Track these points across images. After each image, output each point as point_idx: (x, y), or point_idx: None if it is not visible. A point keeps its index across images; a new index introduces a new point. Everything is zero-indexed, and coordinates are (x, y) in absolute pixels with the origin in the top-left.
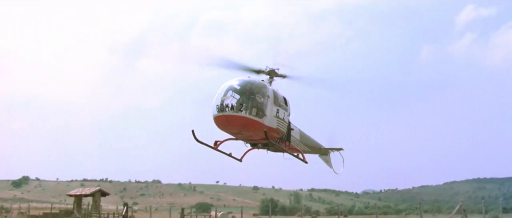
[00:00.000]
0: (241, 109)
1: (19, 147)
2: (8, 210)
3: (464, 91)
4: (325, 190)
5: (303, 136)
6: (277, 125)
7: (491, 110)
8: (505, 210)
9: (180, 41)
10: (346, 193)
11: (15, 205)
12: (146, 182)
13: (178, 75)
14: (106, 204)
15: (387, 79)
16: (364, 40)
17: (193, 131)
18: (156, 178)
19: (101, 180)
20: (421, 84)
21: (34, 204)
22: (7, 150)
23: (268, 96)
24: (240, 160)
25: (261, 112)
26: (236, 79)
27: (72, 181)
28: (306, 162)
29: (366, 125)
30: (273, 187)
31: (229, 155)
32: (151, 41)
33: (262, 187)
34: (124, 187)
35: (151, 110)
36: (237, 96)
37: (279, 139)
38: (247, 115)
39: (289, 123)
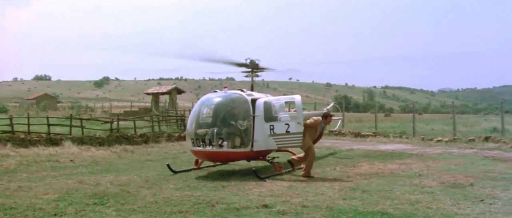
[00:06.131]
0: (222, 144)
1: (99, 49)
2: (92, 109)
3: None
4: (399, 88)
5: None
6: (278, 144)
7: None
8: None
9: None
10: (421, 91)
11: (98, 104)
12: (219, 79)
13: None
14: (182, 102)
15: None
16: None
17: (168, 165)
18: (229, 76)
19: (177, 79)
20: None
21: (115, 103)
22: (88, 52)
23: (256, 115)
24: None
25: (246, 140)
26: (210, 100)
27: (149, 80)
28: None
29: (447, 18)
30: (346, 84)
31: (214, 165)
32: None
33: (335, 84)
34: (199, 85)
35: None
36: (214, 126)
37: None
38: (229, 149)
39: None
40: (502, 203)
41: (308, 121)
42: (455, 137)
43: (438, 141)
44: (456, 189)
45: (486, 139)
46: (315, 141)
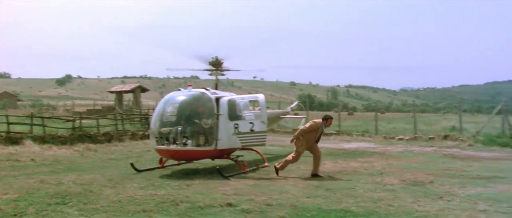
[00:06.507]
0: (186, 143)
1: (62, 47)
2: (54, 107)
3: None
4: (363, 87)
5: (269, 119)
6: (243, 142)
7: None
8: None
9: None
10: (384, 90)
11: (61, 103)
12: (184, 77)
13: None
14: (146, 100)
15: None
16: None
17: (132, 164)
18: (194, 74)
19: (141, 77)
20: None
21: (78, 101)
22: (50, 50)
23: (220, 114)
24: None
25: (210, 138)
26: (174, 99)
27: (113, 78)
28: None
29: (405, 21)
30: (310, 82)
31: (179, 164)
32: None
33: (299, 83)
34: (163, 83)
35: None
36: (178, 125)
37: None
38: (193, 148)
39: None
40: (459, 199)
41: (308, 125)
42: (416, 135)
43: (399, 139)
44: (416, 186)
45: (445, 137)
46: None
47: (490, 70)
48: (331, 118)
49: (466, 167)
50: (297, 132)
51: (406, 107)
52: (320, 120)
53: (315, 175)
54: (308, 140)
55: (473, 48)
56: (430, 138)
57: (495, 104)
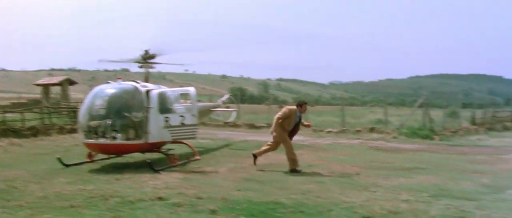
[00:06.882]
0: (115, 136)
1: None
2: None
3: None
4: (293, 80)
5: (200, 112)
6: (174, 135)
7: (459, 9)
8: (464, 105)
9: None
10: (313, 83)
11: None
12: (114, 70)
13: None
14: (75, 93)
15: None
16: None
17: (59, 159)
18: (125, 67)
19: (70, 69)
20: None
21: (1, 94)
22: None
23: (150, 107)
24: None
25: (140, 131)
26: (103, 91)
27: (39, 70)
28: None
29: (334, 19)
30: (241, 76)
31: (108, 158)
32: None
33: (231, 76)
34: (92, 76)
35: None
36: (107, 118)
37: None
38: (123, 142)
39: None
40: (384, 190)
41: (281, 112)
42: (344, 128)
43: (328, 132)
44: (344, 178)
45: (371, 130)
46: (291, 134)
47: (413, 65)
48: (305, 103)
49: (390, 158)
50: (274, 123)
51: (335, 101)
52: (294, 107)
53: (254, 156)
54: (284, 128)
55: (397, 44)
56: (357, 131)
57: (418, 98)
